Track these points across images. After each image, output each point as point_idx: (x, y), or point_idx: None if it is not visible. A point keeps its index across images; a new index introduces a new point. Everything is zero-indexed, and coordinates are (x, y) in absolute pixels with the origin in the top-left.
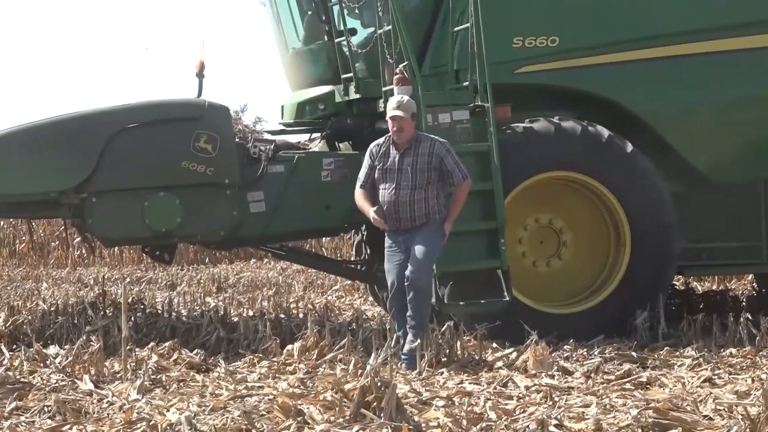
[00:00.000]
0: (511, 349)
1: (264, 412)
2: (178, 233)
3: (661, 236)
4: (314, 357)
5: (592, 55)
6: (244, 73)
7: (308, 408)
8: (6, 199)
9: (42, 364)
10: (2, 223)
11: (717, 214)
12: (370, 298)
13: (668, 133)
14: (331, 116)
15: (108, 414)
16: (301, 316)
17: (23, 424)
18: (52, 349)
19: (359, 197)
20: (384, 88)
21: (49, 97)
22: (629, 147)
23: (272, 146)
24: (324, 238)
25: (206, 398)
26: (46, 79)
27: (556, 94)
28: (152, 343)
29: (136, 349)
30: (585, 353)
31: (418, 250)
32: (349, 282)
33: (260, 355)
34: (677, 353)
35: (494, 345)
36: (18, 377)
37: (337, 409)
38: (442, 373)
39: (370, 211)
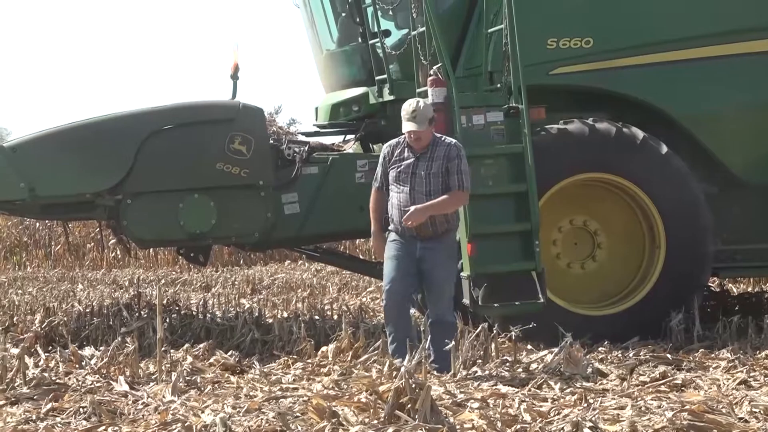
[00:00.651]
0: (546, 351)
1: (298, 414)
2: (213, 235)
3: (695, 238)
4: (349, 358)
5: (627, 57)
6: (278, 75)
7: (343, 409)
8: (42, 200)
9: (77, 366)
10: (38, 224)
11: (752, 216)
12: None
13: (702, 135)
14: (365, 118)
15: (143, 415)
16: (335, 317)
17: (59, 425)
18: (88, 351)
19: (373, 202)
20: (418, 90)
21: (85, 99)
22: (664, 148)
23: (306, 148)
24: (358, 240)
25: (241, 400)
26: (82, 81)
27: (591, 96)
28: (187, 345)
29: (171, 351)
30: (620, 355)
31: (439, 286)
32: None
33: (295, 356)
34: (712, 355)
35: (529, 347)
36: (54, 378)
37: (371, 410)
38: (477, 374)
39: (373, 237)
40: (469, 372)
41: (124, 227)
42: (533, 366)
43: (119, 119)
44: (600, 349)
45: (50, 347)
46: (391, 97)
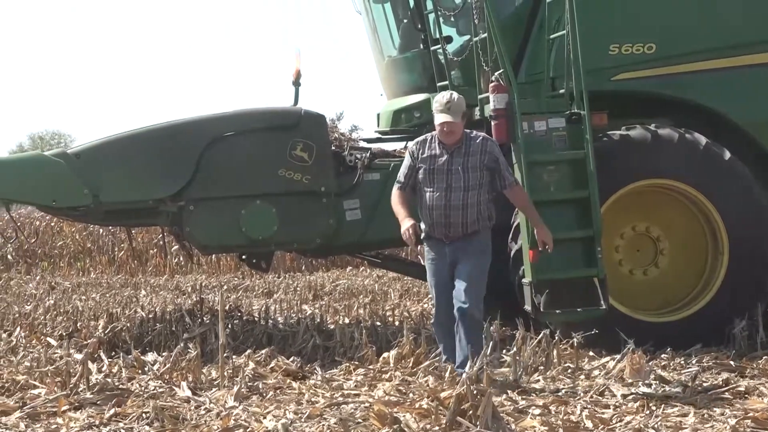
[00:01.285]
0: (608, 358)
1: (360, 420)
2: (275, 241)
3: (759, 244)
4: (410, 365)
5: (690, 62)
6: (340, 82)
7: (404, 416)
8: (105, 206)
9: (140, 371)
10: (101, 231)
11: None
12: None
13: (766, 141)
14: (427, 124)
15: (205, 421)
16: (397, 323)
17: (122, 430)
18: (151, 356)
19: (396, 200)
20: (480, 96)
21: (147, 105)
22: (727, 155)
23: (368, 154)
24: (419, 246)
25: (303, 405)
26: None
27: (653, 102)
28: (249, 351)
29: (233, 357)
30: (682, 362)
31: (467, 277)
32: None
33: (356, 362)
34: None
35: (590, 353)
36: (117, 384)
37: (433, 417)
38: (538, 381)
39: (404, 224)
40: (531, 378)
41: (187, 233)
42: (595, 373)
43: (182, 126)
44: (662, 356)
45: (113, 353)
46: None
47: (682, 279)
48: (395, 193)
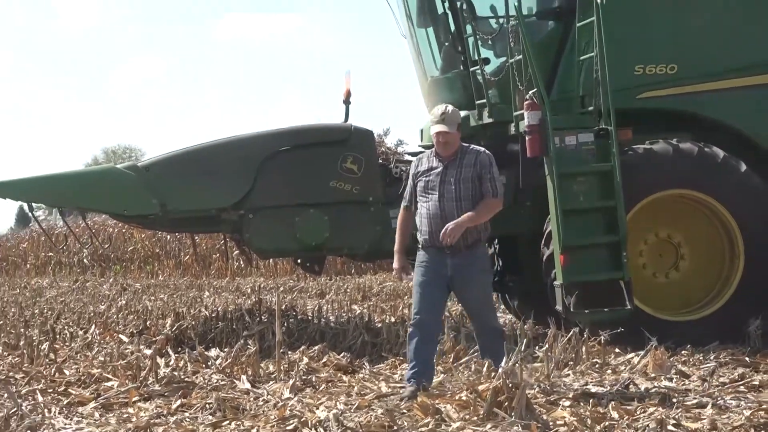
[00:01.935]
0: (633, 354)
1: (405, 411)
2: (327, 246)
3: None
4: (450, 360)
5: (709, 81)
6: (387, 100)
7: (445, 407)
8: (172, 215)
9: (204, 365)
10: (169, 237)
11: None
12: (502, 306)
13: None
14: (466, 139)
15: (263, 411)
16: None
17: (187, 419)
18: (213, 352)
19: (399, 221)
20: (515, 113)
21: (211, 120)
22: (743, 166)
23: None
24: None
25: (352, 397)
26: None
27: (675, 118)
28: (303, 347)
29: (289, 352)
30: (701, 358)
31: (480, 294)
32: None
33: (401, 357)
34: None
35: (617, 350)
36: (183, 377)
37: (471, 408)
38: (569, 375)
39: (395, 261)
40: (562, 373)
41: (247, 239)
42: (621, 368)
43: (242, 141)
44: (683, 352)
45: (179, 349)
46: (490, 120)
47: (701, 281)
48: (401, 213)
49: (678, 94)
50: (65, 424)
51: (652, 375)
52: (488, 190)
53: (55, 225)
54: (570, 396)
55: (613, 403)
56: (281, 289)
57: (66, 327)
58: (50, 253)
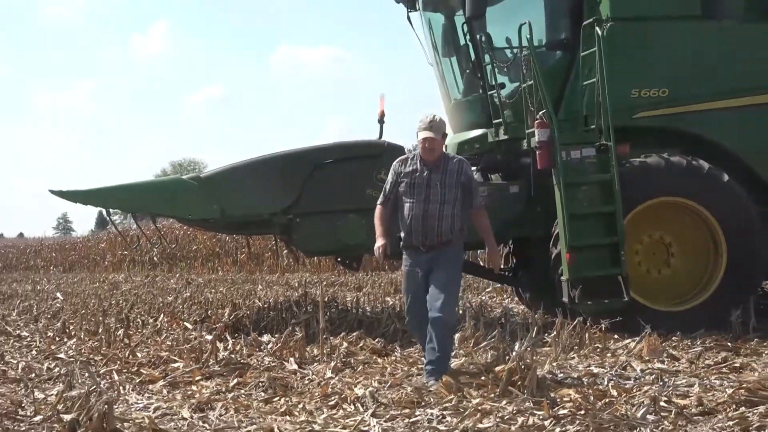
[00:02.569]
0: (629, 340)
1: (431, 389)
2: (364, 246)
3: (750, 248)
4: (471, 345)
5: (696, 103)
6: (415, 120)
7: (466, 385)
8: (230, 219)
9: (257, 349)
10: (227, 238)
11: None
12: (516, 299)
13: (757, 166)
14: (485, 153)
15: (308, 389)
16: (460, 312)
17: (243, 396)
18: (266, 337)
19: (376, 216)
20: (527, 131)
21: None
22: (725, 177)
23: None
24: (479, 251)
25: (386, 377)
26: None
27: (666, 135)
28: (343, 333)
29: (330, 338)
30: (689, 343)
31: (442, 286)
32: (498, 285)
33: None
34: (765, 344)
35: (615, 336)
36: (239, 359)
37: (489, 386)
38: (574, 358)
39: (377, 241)
40: (568, 356)
41: (294, 240)
42: (619, 352)
43: (291, 155)
44: (673, 338)
45: (236, 334)
46: (505, 137)
47: (689, 276)
48: (377, 209)
49: (669, 114)
50: (137, 400)
51: (647, 358)
52: (477, 198)
53: (129, 228)
54: (575, 376)
55: (612, 382)
56: (324, 283)
57: (138, 316)
58: (125, 252)
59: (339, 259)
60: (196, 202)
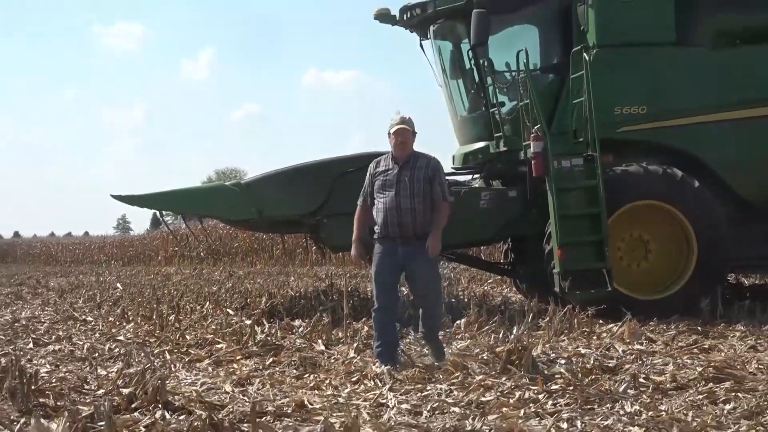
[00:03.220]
0: (612, 324)
1: (440, 366)
2: None
3: (717, 245)
4: (475, 329)
5: (671, 119)
6: (427, 133)
7: (471, 364)
8: (266, 219)
9: (290, 332)
10: (264, 236)
11: (759, 231)
12: (514, 289)
13: (724, 174)
14: (486, 163)
15: (334, 366)
16: (466, 300)
17: (277, 372)
18: (297, 322)
19: (357, 216)
20: (524, 143)
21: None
22: (696, 183)
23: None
24: (482, 247)
25: (401, 356)
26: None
27: (645, 146)
28: (364, 318)
29: (353, 323)
30: (664, 327)
31: (426, 279)
32: (499, 277)
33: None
34: (730, 328)
35: (600, 321)
36: (274, 341)
37: (490, 365)
38: (564, 340)
39: (353, 248)
40: (559, 339)
41: (322, 238)
42: (603, 335)
43: (319, 164)
44: (650, 323)
45: (272, 319)
46: (505, 149)
47: (665, 269)
48: (358, 209)
49: (647, 128)
50: (186, 376)
51: (627, 340)
52: (438, 193)
53: (179, 227)
54: (565, 356)
55: (597, 361)
56: (348, 275)
57: (187, 303)
58: (175, 248)
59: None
60: (237, 205)
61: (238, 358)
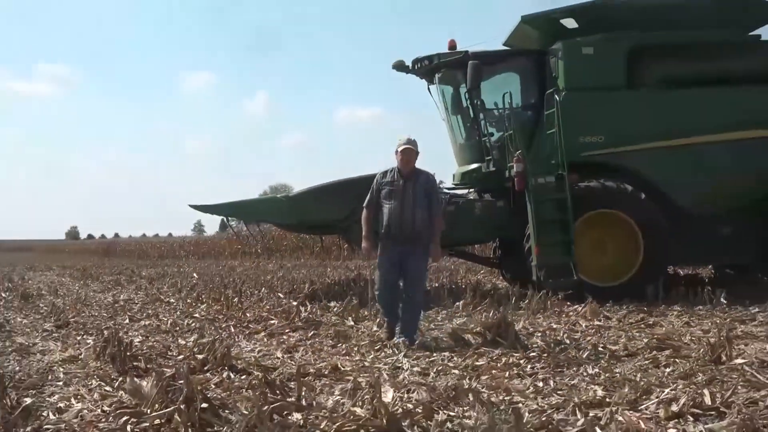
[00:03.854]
0: (578, 305)
1: (444, 338)
2: None
3: (658, 245)
4: (470, 309)
5: (622, 146)
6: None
7: (467, 336)
8: (307, 224)
9: (327, 311)
10: (307, 237)
11: (691, 233)
12: (501, 278)
13: (666, 189)
14: (480, 180)
15: (361, 338)
16: (463, 287)
17: (317, 342)
18: (332, 303)
19: (364, 218)
20: (508, 165)
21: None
22: (642, 195)
23: (448, 196)
24: (476, 245)
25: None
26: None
27: (603, 167)
28: None
29: (376, 304)
30: (618, 308)
31: (415, 273)
32: (489, 268)
33: (441, 307)
34: (669, 308)
35: (568, 303)
36: (314, 318)
37: (483, 337)
38: (540, 318)
39: (364, 242)
40: (535, 317)
41: (352, 238)
42: (571, 314)
43: (347, 181)
44: (607, 304)
45: (313, 301)
46: (494, 169)
47: (618, 263)
48: (364, 212)
49: (604, 153)
50: (246, 345)
51: (589, 318)
52: (436, 211)
53: (241, 230)
54: (540, 330)
55: (566, 334)
56: (372, 266)
57: (247, 288)
58: (238, 246)
59: None
60: (286, 213)
61: (286, 331)
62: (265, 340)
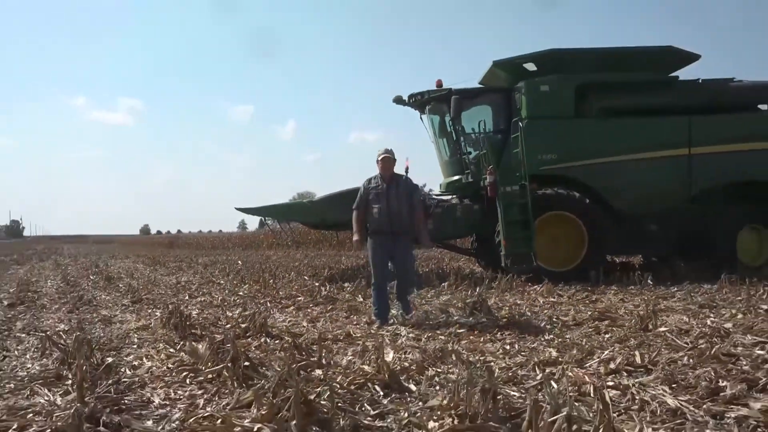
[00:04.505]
0: (537, 286)
1: (433, 312)
2: None
3: (601, 238)
4: (453, 288)
5: (571, 162)
6: (423, 171)
7: (451, 310)
8: (327, 222)
9: (342, 290)
10: (327, 232)
11: (625, 230)
12: (477, 264)
13: (606, 195)
14: (460, 188)
15: (368, 312)
16: (447, 271)
17: (334, 314)
18: (346, 284)
19: (354, 219)
20: (483, 177)
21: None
22: (587, 200)
23: (436, 201)
24: (458, 239)
25: (417, 309)
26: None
27: (558, 179)
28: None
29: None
30: (568, 287)
31: (404, 258)
32: (467, 257)
33: (432, 287)
34: (608, 288)
35: (529, 284)
36: (332, 295)
37: (463, 310)
38: (507, 295)
39: (354, 237)
40: (504, 295)
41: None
42: (531, 293)
43: (356, 189)
44: (559, 285)
45: (331, 282)
46: (471, 180)
47: (569, 253)
48: (354, 213)
49: (557, 167)
50: (279, 317)
51: (546, 295)
52: (417, 208)
53: (275, 227)
54: (508, 305)
55: (527, 308)
56: (364, 257)
57: (280, 272)
58: (273, 240)
59: None
60: (310, 214)
61: (310, 305)
62: (294, 312)
